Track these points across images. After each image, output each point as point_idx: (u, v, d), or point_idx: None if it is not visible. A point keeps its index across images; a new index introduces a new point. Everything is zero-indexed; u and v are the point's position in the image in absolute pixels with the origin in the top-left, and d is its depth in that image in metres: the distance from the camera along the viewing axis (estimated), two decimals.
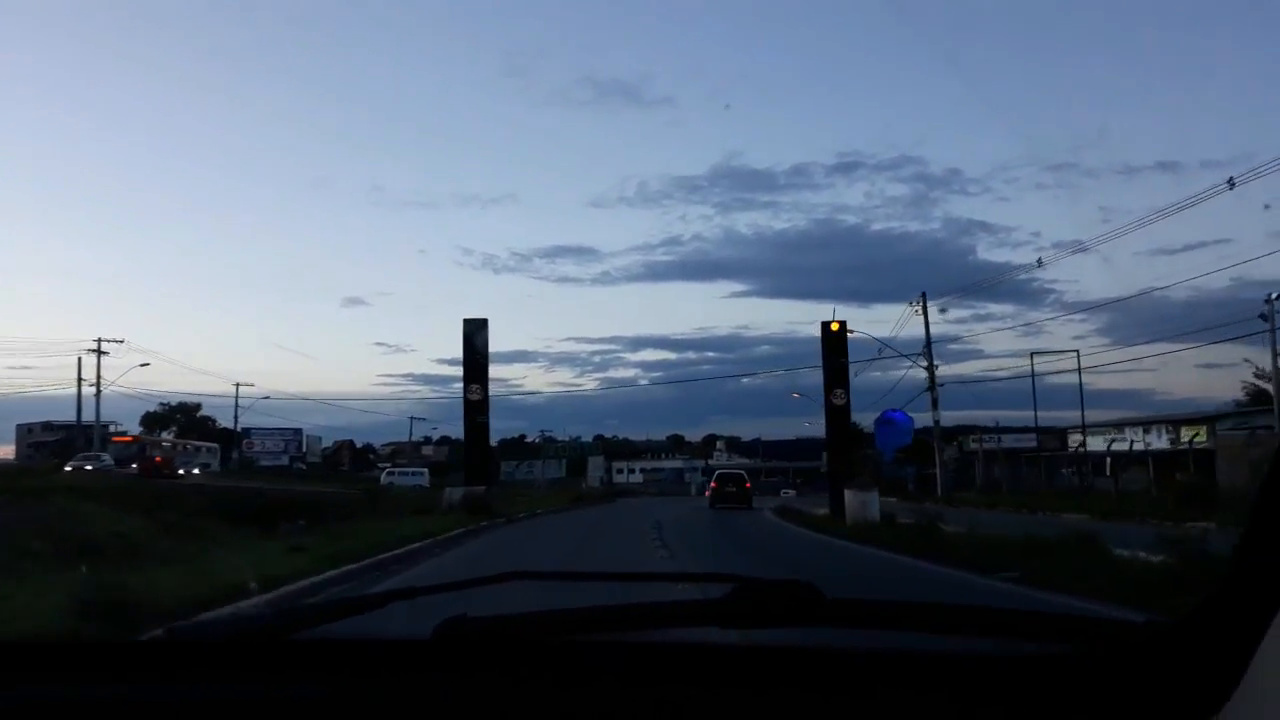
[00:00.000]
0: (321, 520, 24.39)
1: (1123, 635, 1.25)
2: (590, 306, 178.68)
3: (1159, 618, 1.39)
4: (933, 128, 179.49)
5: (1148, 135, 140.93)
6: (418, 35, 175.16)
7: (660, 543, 19.69)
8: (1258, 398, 59.24)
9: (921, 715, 1.13)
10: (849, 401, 31.38)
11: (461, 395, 31.48)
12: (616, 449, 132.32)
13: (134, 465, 51.67)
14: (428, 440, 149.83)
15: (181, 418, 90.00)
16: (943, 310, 47.25)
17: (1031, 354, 55.03)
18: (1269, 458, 1.08)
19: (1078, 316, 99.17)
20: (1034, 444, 73.49)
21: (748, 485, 44.20)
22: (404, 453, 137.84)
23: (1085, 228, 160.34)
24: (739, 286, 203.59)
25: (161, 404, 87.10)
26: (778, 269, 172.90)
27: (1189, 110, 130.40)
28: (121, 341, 64.42)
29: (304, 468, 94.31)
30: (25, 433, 79.53)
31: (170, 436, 75.25)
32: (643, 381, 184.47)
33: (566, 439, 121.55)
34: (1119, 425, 62.66)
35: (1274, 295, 38.07)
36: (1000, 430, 78.68)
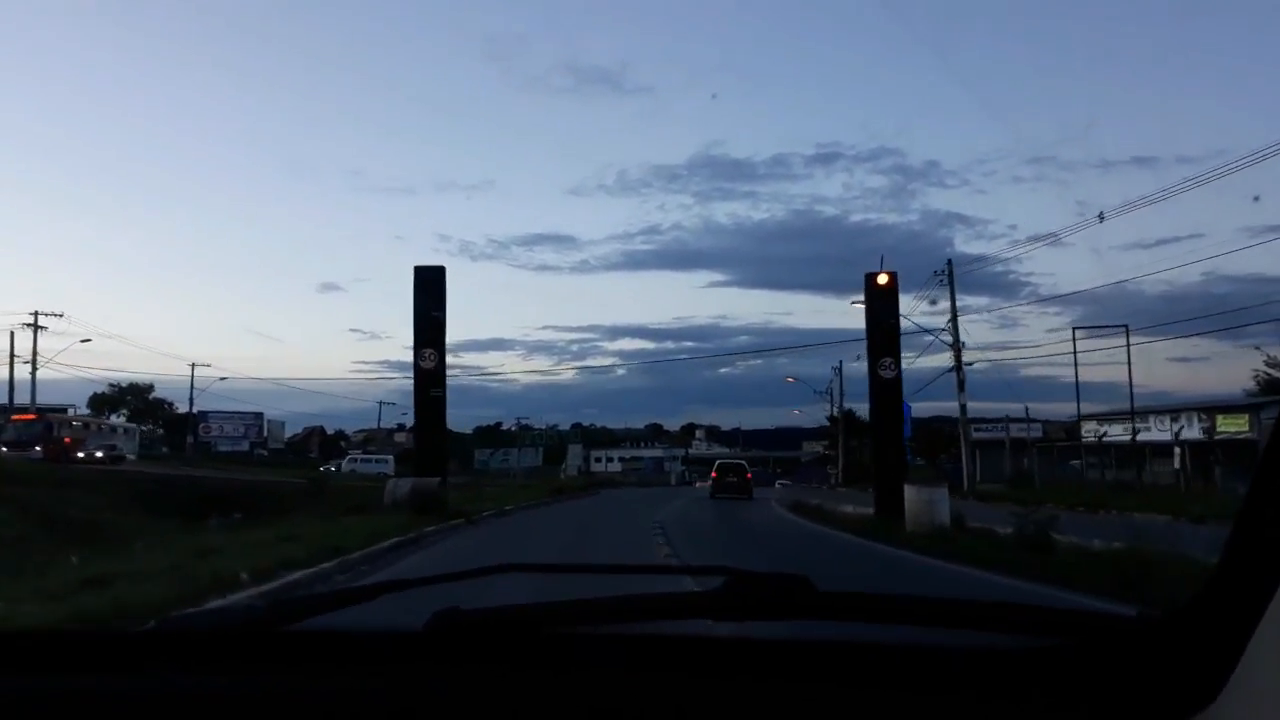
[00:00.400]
0: (259, 513, 21.07)
1: (1116, 628, 1.23)
2: (568, 295, 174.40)
3: (1151, 610, 1.22)
4: (912, 119, 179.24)
5: (1125, 130, 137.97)
6: (398, 20, 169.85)
7: (676, 556, 14.41)
8: (1269, 387, 56.05)
9: (913, 708, 1.09)
10: (900, 374, 24.76)
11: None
12: (595, 437, 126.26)
13: (37, 448, 44.12)
14: (401, 427, 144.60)
15: (133, 399, 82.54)
16: (933, 302, 40.99)
17: (1074, 328, 48.35)
18: None
19: (1052, 309, 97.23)
20: (1036, 435, 68.03)
21: (748, 476, 43.34)
22: (376, 439, 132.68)
23: (1062, 221, 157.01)
24: (718, 276, 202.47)
25: (111, 385, 79.82)
26: (756, 259, 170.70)
27: (1166, 106, 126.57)
28: (60, 315, 57.42)
29: (265, 454, 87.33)
30: None
31: (87, 415, 67.28)
32: (620, 371, 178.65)
33: (544, 427, 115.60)
34: (1142, 414, 56.64)
35: None
36: (992, 420, 73.16)
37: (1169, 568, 10.68)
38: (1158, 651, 1.10)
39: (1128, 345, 45.90)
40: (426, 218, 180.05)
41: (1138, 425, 54.06)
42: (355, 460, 71.26)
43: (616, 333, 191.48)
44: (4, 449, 44.58)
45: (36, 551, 15.14)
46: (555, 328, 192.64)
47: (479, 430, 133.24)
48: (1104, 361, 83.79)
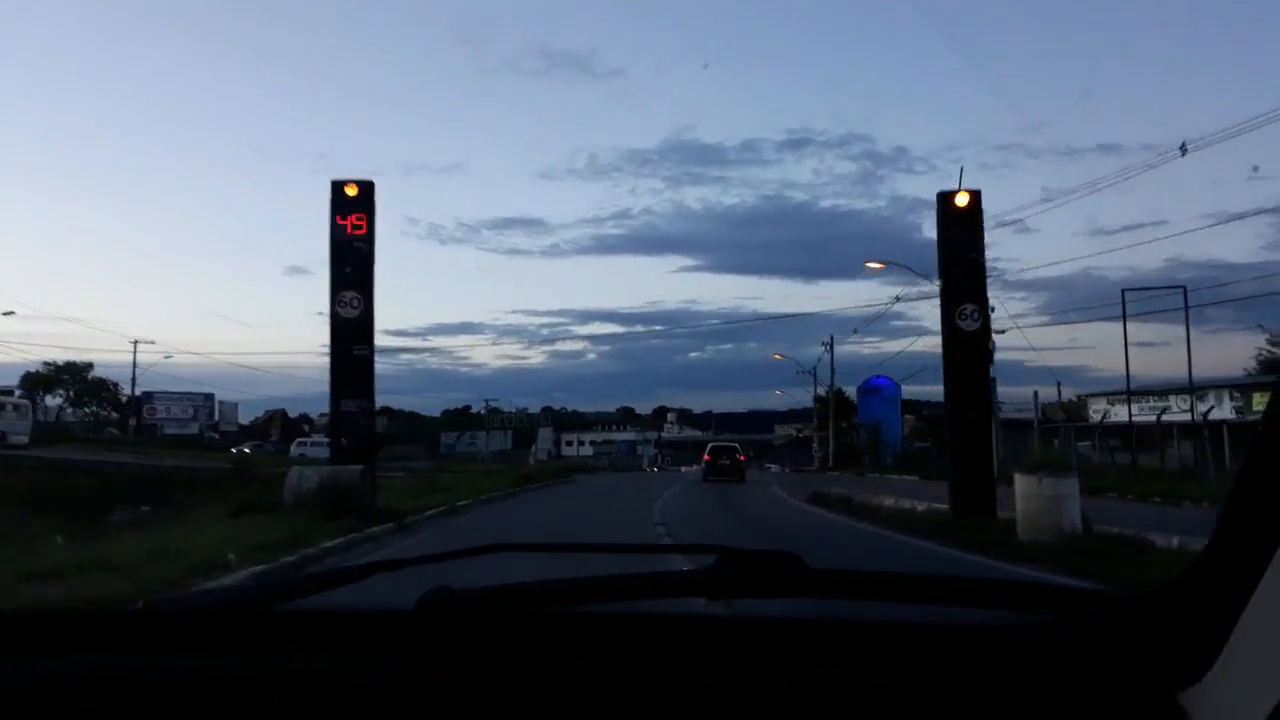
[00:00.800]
0: (169, 504, 17.26)
1: (1105, 604, 1.23)
2: (539, 279, 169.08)
3: (1140, 588, 0.92)
4: (881, 106, 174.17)
5: (1089, 117, 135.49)
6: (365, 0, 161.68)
7: None
8: (1270, 367, 52.01)
9: (905, 684, 1.07)
10: (987, 325, 18.35)
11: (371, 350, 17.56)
12: (566, 421, 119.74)
13: None
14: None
15: (70, 379, 74.87)
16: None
17: (1124, 291, 41.96)
18: None
19: (1017, 294, 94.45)
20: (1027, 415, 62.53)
21: (741, 458, 41.89)
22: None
23: (1028, 207, 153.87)
24: (688, 261, 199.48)
25: (46, 364, 72.18)
26: (727, 244, 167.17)
27: (1130, 94, 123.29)
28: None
29: (216, 437, 79.98)
30: None
31: None
32: (591, 355, 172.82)
33: (513, 410, 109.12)
34: (1159, 393, 50.96)
35: None
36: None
37: None
38: (1147, 628, 1.07)
39: (1186, 307, 39.64)
40: (395, 200, 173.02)
41: (1153, 405, 48.51)
42: (304, 444, 64.05)
43: (587, 317, 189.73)
44: None
45: None
46: (525, 312, 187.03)
47: (447, 414, 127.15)
48: (1071, 347, 79.23)
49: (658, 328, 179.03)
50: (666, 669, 1.09)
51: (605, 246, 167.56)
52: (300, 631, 1.22)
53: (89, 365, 75.09)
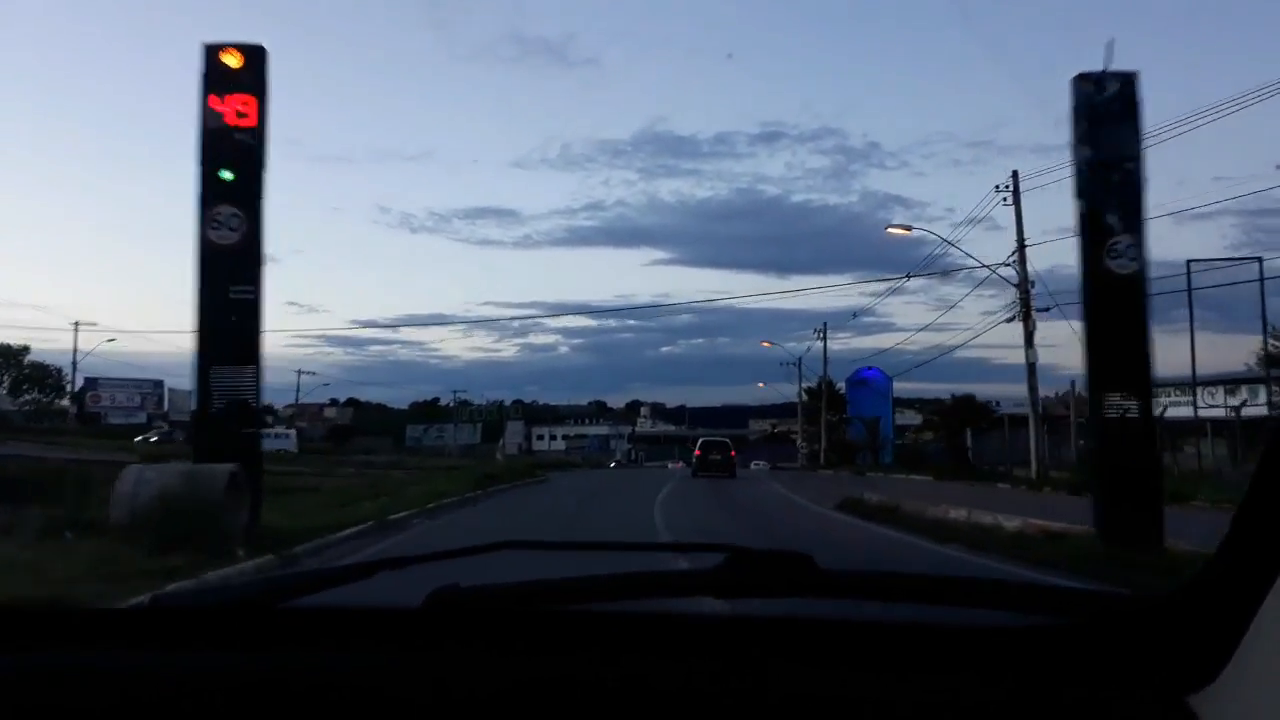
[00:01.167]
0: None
1: (1118, 607, 1.21)
2: (511, 270, 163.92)
3: (1153, 590, 1.06)
4: (854, 101, 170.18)
5: (1061, 115, 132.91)
6: None
7: None
8: (1275, 362, 47.63)
9: (914, 685, 1.05)
10: (1143, 268, 12.21)
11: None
12: (537, 414, 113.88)
13: None
14: (334, 402, 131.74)
15: (4, 363, 68.12)
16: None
17: (1189, 262, 36.33)
18: None
19: (988, 291, 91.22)
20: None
21: (733, 454, 40.25)
22: (306, 414, 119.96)
23: (997, 204, 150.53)
24: (661, 254, 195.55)
25: None
26: (700, 237, 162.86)
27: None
28: None
29: (166, 426, 73.47)
30: None
31: None
32: (563, 349, 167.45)
33: (484, 403, 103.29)
34: (1180, 386, 46.07)
35: None
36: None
37: None
38: (1159, 630, 1.05)
39: (1261, 279, 34.29)
40: (365, 188, 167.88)
41: (1173, 399, 43.49)
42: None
43: (559, 309, 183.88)
44: None
45: None
46: (497, 303, 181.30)
47: (415, 406, 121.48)
48: (1041, 344, 74.72)
49: (630, 321, 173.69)
50: (676, 668, 1.06)
51: (578, 238, 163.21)
52: (307, 629, 1.20)
53: (25, 349, 68.38)
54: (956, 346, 42.06)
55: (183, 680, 1.07)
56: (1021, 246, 29.26)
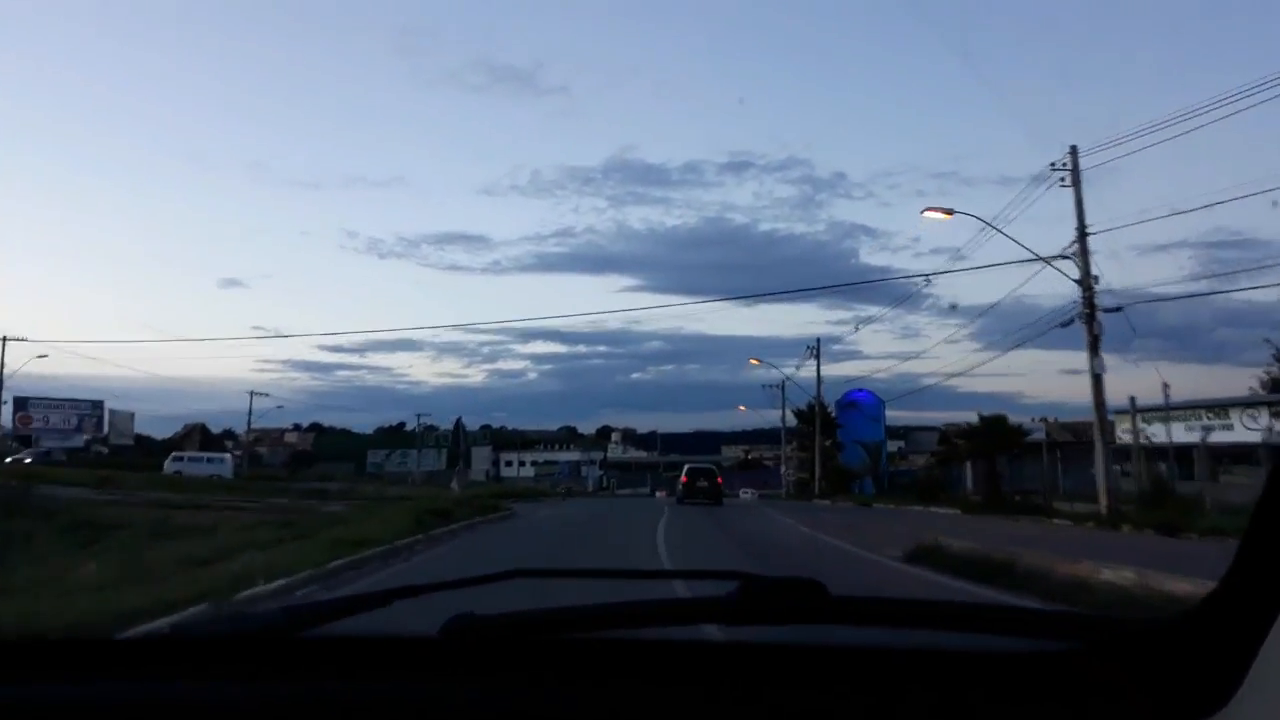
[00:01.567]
0: None
1: (1129, 631, 1.17)
2: (480, 296, 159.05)
3: (1164, 614, 1.17)
4: (821, 132, 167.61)
5: (1024, 147, 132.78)
6: (305, 8, 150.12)
7: None
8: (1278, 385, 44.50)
9: (925, 712, 1.05)
10: None
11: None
12: (506, 439, 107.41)
13: None
14: (297, 427, 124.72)
15: None
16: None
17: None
18: None
19: (952, 320, 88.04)
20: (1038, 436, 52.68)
21: (719, 480, 38.76)
22: (267, 438, 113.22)
23: (962, 235, 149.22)
24: (630, 281, 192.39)
25: None
26: (668, 265, 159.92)
27: (1062, 124, 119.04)
28: None
29: (105, 450, 66.44)
30: None
31: None
32: (532, 375, 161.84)
33: (450, 428, 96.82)
34: (1193, 407, 40.86)
35: None
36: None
37: None
38: (1170, 655, 1.03)
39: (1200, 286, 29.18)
40: (333, 213, 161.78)
41: (1192, 423, 38.29)
42: (180, 460, 51.08)
43: (528, 335, 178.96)
44: None
45: None
46: (465, 328, 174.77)
47: (380, 431, 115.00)
48: (1004, 373, 72.47)
49: (600, 348, 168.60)
50: (689, 695, 1.05)
51: (547, 264, 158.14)
52: (326, 657, 1.19)
53: None
54: (958, 373, 36.72)
55: (203, 709, 1.06)
56: (1083, 235, 23.68)
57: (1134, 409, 26.10)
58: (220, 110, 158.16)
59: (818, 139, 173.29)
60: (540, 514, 25.90)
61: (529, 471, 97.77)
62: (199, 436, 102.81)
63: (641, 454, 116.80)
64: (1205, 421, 38.94)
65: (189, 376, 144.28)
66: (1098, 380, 23.90)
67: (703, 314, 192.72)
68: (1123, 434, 44.20)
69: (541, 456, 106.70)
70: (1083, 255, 23.68)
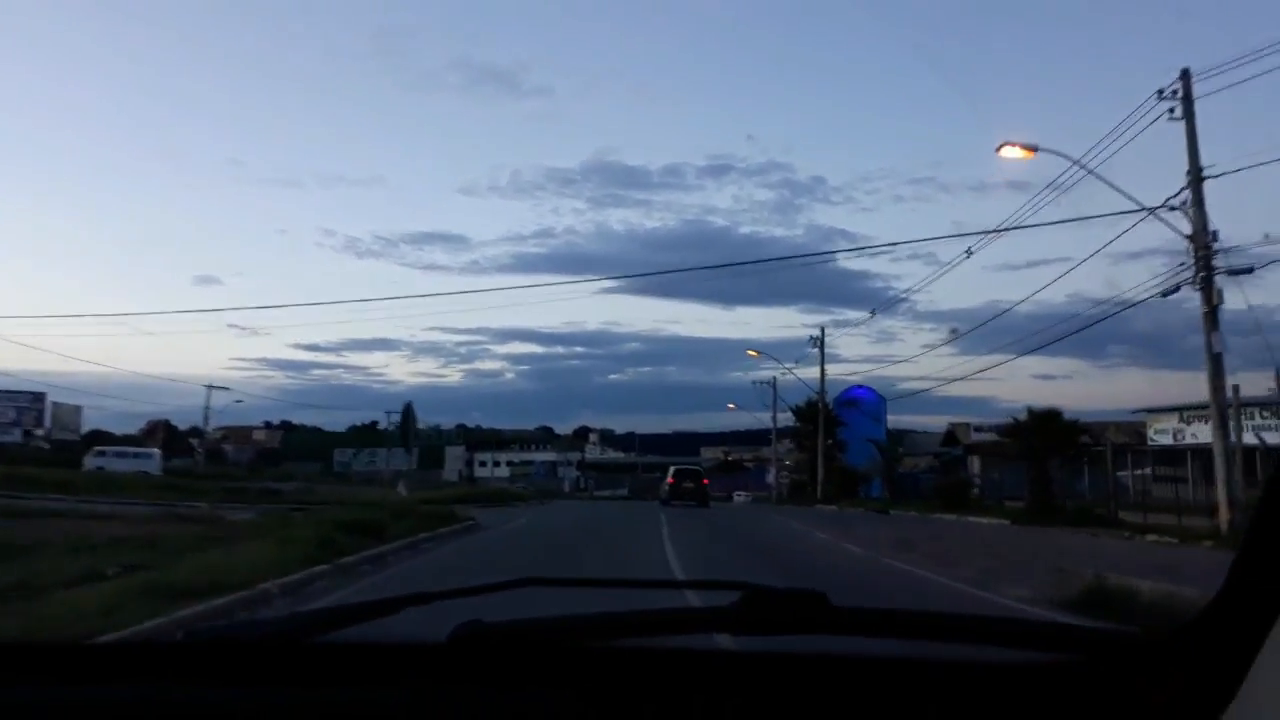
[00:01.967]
0: None
1: (1123, 643, 1.17)
2: (458, 296, 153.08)
3: (1159, 626, 1.22)
4: (801, 136, 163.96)
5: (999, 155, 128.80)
6: (283, 4, 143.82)
7: None
8: None
9: None
10: None
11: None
12: (481, 439, 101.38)
13: None
14: (268, 424, 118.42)
15: None
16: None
17: None
18: None
19: (927, 324, 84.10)
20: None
21: (705, 482, 37.04)
22: (234, 435, 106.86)
23: (939, 240, 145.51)
24: (609, 282, 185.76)
25: None
26: (648, 267, 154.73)
27: (1040, 132, 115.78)
28: None
29: (47, 446, 60.05)
30: None
31: None
32: (509, 375, 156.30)
33: (425, 426, 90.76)
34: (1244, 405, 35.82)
35: None
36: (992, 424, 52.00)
37: None
38: (1165, 667, 1.01)
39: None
40: (311, 212, 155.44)
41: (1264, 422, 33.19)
42: (103, 455, 44.84)
43: (506, 336, 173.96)
44: None
45: None
46: (443, 329, 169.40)
47: (353, 430, 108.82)
48: (980, 378, 68.10)
49: (578, 349, 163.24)
50: (692, 705, 1.05)
51: (526, 265, 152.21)
52: (335, 663, 1.17)
53: None
54: (959, 377, 31.71)
55: (213, 714, 1.05)
56: (1198, 179, 18.37)
57: (1236, 400, 20.82)
58: (198, 108, 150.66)
59: (797, 143, 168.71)
60: (511, 526, 20.23)
61: (504, 472, 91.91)
62: (162, 433, 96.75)
63: (620, 455, 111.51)
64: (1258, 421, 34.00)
65: (164, 373, 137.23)
66: (1217, 362, 18.58)
67: (682, 315, 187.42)
68: (1155, 435, 39.36)
69: (517, 457, 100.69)
70: (1197, 204, 18.35)
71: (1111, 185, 18.59)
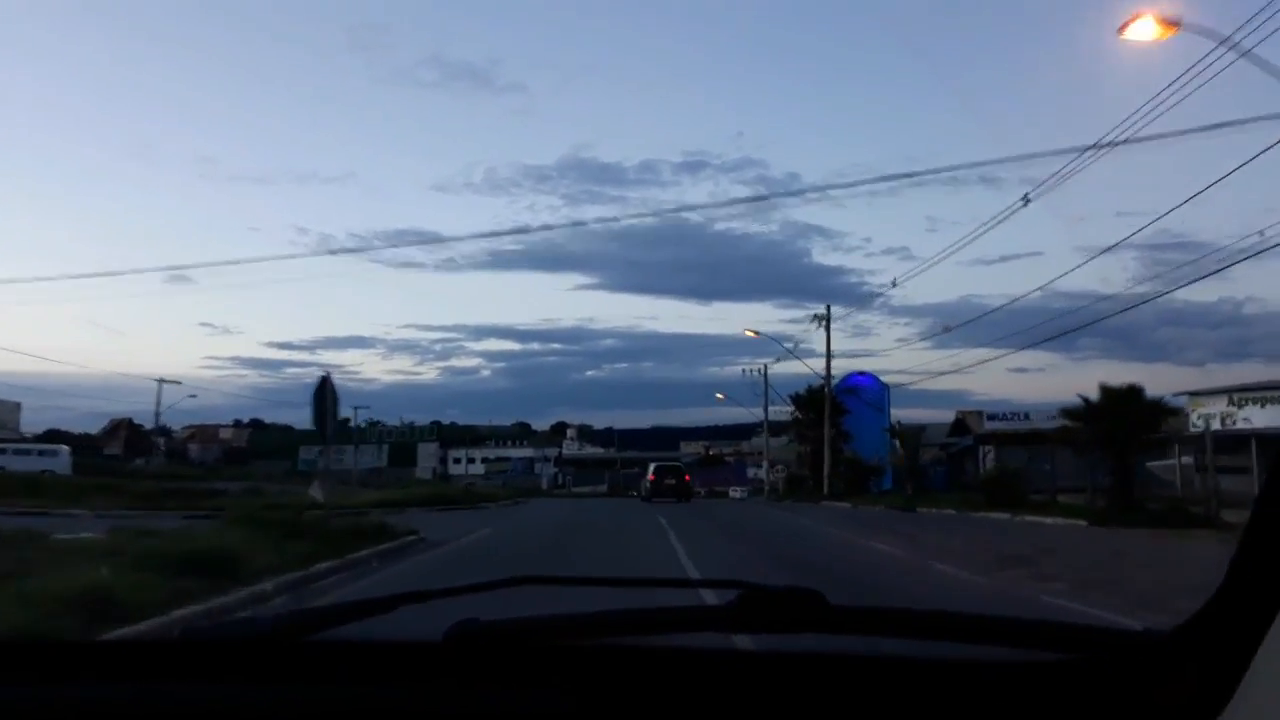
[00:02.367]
0: None
1: (1122, 642, 1.14)
2: (432, 293, 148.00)
3: (1159, 625, 1.13)
4: (776, 132, 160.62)
5: (973, 150, 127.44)
6: (255, 1, 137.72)
7: None
8: None
9: None
10: None
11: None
12: (456, 436, 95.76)
13: None
14: (238, 423, 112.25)
15: None
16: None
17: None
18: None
19: (902, 319, 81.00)
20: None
21: (687, 478, 36.45)
22: (202, 435, 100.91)
23: (912, 235, 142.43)
24: (585, 279, 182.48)
25: None
26: (624, 263, 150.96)
27: (1011, 128, 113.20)
28: None
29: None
30: None
31: None
32: (485, 372, 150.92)
33: (399, 424, 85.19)
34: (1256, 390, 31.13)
35: None
36: (1009, 414, 47.66)
37: None
38: (1164, 665, 1.00)
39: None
40: (284, 209, 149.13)
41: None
42: (3, 452, 39.06)
43: (482, 333, 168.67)
44: None
45: None
46: (418, 326, 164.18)
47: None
48: (952, 371, 65.24)
49: (554, 345, 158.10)
50: (687, 703, 1.03)
51: (502, 262, 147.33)
52: (331, 661, 1.16)
53: None
54: (953, 370, 26.95)
55: (209, 712, 1.04)
56: None
57: None
58: (167, 103, 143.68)
59: (772, 140, 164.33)
60: (468, 541, 14.89)
61: (479, 469, 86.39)
62: (125, 432, 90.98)
63: (599, 450, 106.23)
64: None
65: (137, 373, 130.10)
66: None
67: (659, 311, 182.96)
68: (1197, 421, 34.76)
69: (493, 453, 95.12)
70: None
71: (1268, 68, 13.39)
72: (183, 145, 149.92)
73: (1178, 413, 25.73)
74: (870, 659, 1.09)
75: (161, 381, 61.98)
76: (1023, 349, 36.73)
